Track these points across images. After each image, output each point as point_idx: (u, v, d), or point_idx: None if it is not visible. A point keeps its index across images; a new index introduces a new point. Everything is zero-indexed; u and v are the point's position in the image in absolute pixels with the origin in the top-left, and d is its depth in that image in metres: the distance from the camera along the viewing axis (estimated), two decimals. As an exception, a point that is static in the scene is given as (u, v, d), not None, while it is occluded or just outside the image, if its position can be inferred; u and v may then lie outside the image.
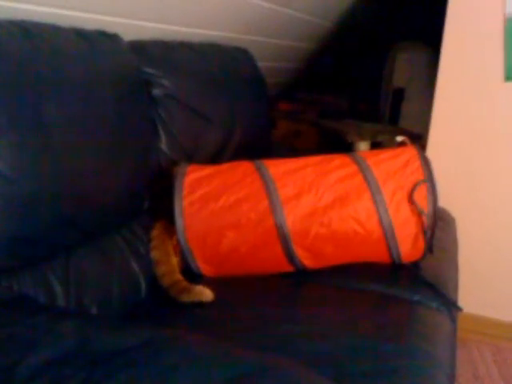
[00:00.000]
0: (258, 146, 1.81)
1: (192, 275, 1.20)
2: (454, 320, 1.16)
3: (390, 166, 1.22)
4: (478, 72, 1.75)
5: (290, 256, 1.18)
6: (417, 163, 1.21)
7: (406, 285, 1.23)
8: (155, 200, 1.31)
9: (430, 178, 1.19)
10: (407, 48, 2.64)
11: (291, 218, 1.15)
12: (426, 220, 1.17)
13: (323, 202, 1.16)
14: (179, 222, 1.16)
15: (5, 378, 0.63)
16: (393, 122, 2.69)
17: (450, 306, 1.17)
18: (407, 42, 2.67)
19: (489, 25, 1.70)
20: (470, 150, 1.82)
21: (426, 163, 1.21)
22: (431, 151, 1.84)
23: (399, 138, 1.39)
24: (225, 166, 1.28)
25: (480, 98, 1.77)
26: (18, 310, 0.80)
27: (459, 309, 1.20)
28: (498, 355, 1.85)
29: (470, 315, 1.86)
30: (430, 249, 1.22)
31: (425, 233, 1.18)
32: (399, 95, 2.64)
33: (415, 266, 1.26)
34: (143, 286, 1.19)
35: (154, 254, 1.23)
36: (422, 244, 1.20)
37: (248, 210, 1.16)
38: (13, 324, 0.74)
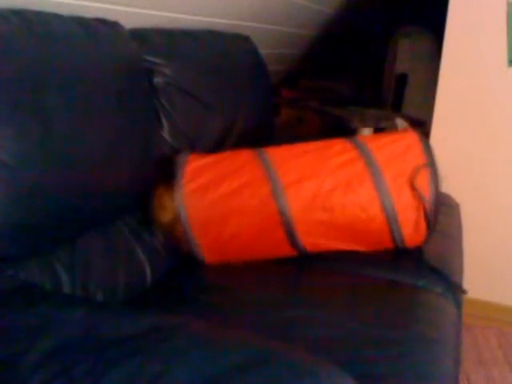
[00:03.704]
0: (261, 133, 1.80)
1: (194, 261, 1.20)
2: (458, 305, 1.16)
3: (392, 150, 1.22)
4: (481, 57, 1.74)
5: (293, 241, 1.18)
6: (418, 149, 1.21)
7: (411, 270, 1.23)
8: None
9: (431, 164, 1.18)
10: (410, 33, 2.63)
11: (293, 203, 1.15)
12: (426, 205, 1.17)
13: (325, 188, 1.16)
14: (181, 209, 1.16)
15: (13, 365, 0.64)
16: (396, 107, 2.68)
17: (455, 290, 1.17)
18: (410, 28, 2.65)
19: (492, 10, 1.68)
20: (474, 135, 1.82)
21: (427, 149, 1.21)
22: (435, 137, 1.84)
23: (399, 122, 1.38)
24: (225, 154, 1.28)
25: (483, 83, 1.76)
26: (25, 297, 0.80)
27: (464, 291, 1.20)
28: (502, 339, 1.86)
29: (474, 300, 1.86)
30: (430, 228, 1.20)
31: (426, 217, 1.17)
32: (402, 81, 2.63)
33: (419, 251, 1.26)
34: (148, 273, 1.20)
35: (160, 200, 1.21)
36: (423, 228, 1.20)
37: (249, 195, 1.16)
38: (20, 312, 0.74)
